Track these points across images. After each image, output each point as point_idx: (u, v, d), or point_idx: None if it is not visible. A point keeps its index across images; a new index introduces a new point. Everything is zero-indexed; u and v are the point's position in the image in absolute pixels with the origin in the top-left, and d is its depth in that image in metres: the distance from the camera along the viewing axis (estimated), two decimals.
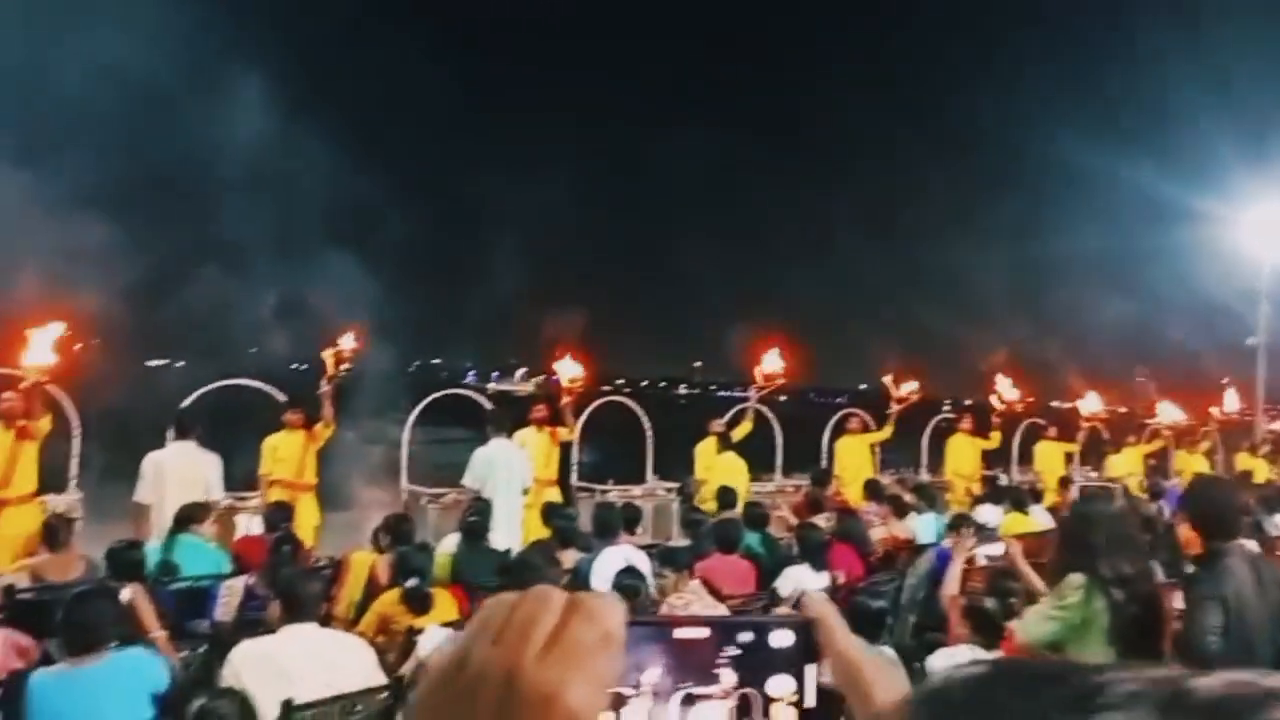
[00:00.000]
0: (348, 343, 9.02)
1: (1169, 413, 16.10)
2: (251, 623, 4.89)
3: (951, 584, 5.00)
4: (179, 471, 7.51)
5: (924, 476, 13.66)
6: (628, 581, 4.61)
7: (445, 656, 0.54)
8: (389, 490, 10.68)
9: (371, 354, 9.97)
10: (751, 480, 10.85)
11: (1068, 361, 19.43)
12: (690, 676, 0.62)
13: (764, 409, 11.80)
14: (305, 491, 8.50)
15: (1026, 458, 15.10)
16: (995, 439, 13.51)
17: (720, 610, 5.01)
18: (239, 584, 5.34)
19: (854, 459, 11.85)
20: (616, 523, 6.52)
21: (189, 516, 6.30)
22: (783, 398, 12.69)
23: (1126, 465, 14.36)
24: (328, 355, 8.84)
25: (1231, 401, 17.64)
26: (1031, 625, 3.73)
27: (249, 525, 8.10)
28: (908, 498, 8.88)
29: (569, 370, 9.68)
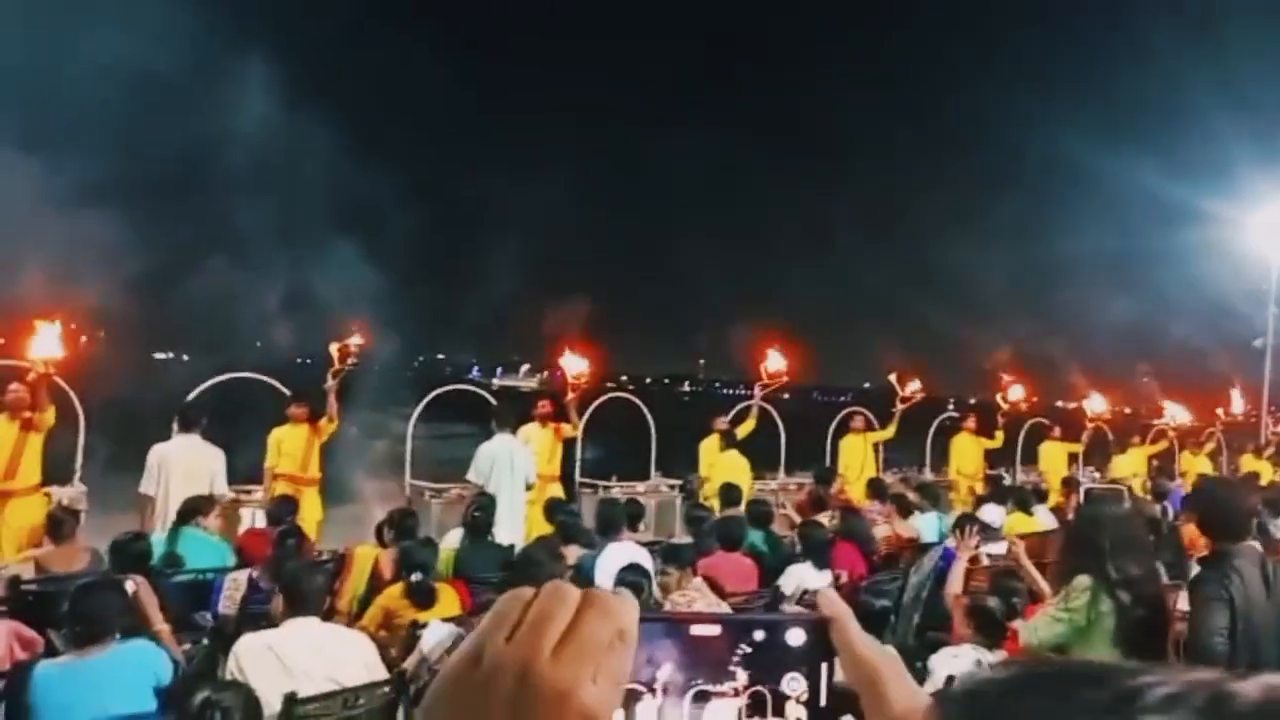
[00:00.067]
0: (353, 338, 9.04)
1: (1175, 413, 16.09)
2: (254, 616, 4.89)
3: (955, 583, 4.99)
4: (184, 464, 7.53)
5: (927, 476, 13.66)
6: (631, 578, 4.60)
7: (460, 652, 0.54)
8: (392, 485, 10.70)
9: (376, 349, 9.97)
10: (755, 478, 10.86)
11: (1072, 362, 19.43)
12: (703, 674, 0.61)
13: (768, 407, 11.79)
14: (309, 485, 8.52)
15: (1030, 458, 15.09)
16: (999, 439, 13.50)
17: (723, 608, 5.02)
18: (242, 577, 5.35)
19: (857, 458, 11.85)
20: (620, 519, 6.52)
21: (193, 509, 6.32)
22: (786, 396, 12.69)
23: (1131, 466, 14.34)
24: (333, 350, 8.86)
25: (1237, 403, 17.61)
26: (1039, 627, 3.74)
27: (253, 519, 8.12)
28: (911, 496, 8.88)
29: (573, 366, 9.69)
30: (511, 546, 6.64)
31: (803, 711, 0.62)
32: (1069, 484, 11.11)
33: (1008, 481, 12.77)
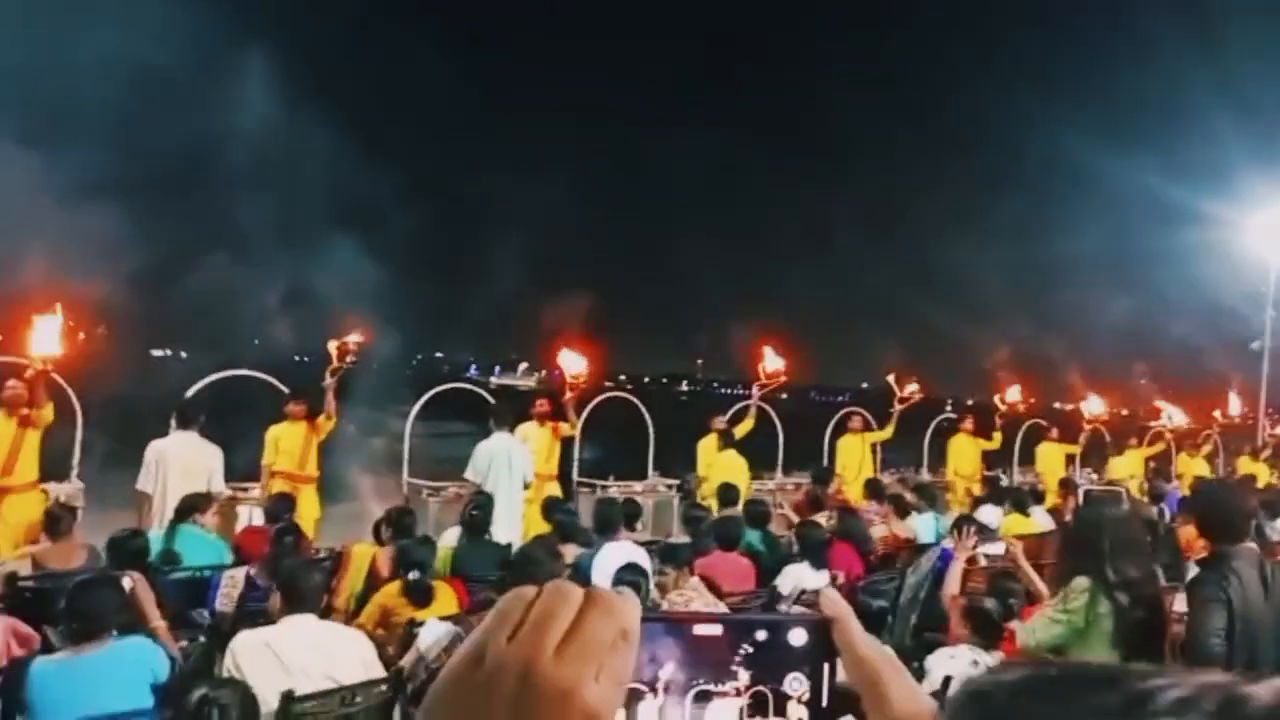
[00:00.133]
0: (351, 336, 9.03)
1: (1172, 415, 16.10)
2: (252, 613, 4.89)
3: (953, 584, 5.00)
4: (181, 461, 7.52)
5: (925, 476, 13.66)
6: (629, 578, 4.60)
7: (461, 652, 0.54)
8: (390, 483, 10.69)
9: (374, 347, 9.97)
10: (752, 478, 10.86)
11: (1070, 363, 19.45)
12: (704, 673, 0.61)
13: (766, 407, 11.80)
14: (307, 483, 8.51)
15: (1028, 459, 15.11)
16: (997, 440, 13.52)
17: (720, 607, 5.02)
18: (240, 574, 5.34)
19: (855, 458, 11.85)
20: (617, 518, 6.52)
21: (191, 506, 6.31)
22: (784, 396, 12.69)
23: (1127, 468, 14.35)
24: (331, 348, 8.85)
25: (1235, 405, 17.63)
26: (1037, 628, 3.74)
27: (250, 516, 8.11)
28: (909, 497, 8.88)
29: (571, 365, 9.68)
30: (509, 545, 6.64)
31: (804, 711, 0.62)
32: (1066, 485, 11.11)
33: (1005, 482, 12.78)
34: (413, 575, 4.99)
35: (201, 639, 4.85)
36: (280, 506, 6.90)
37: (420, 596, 4.93)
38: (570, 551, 6.07)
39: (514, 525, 8.08)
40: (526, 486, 8.58)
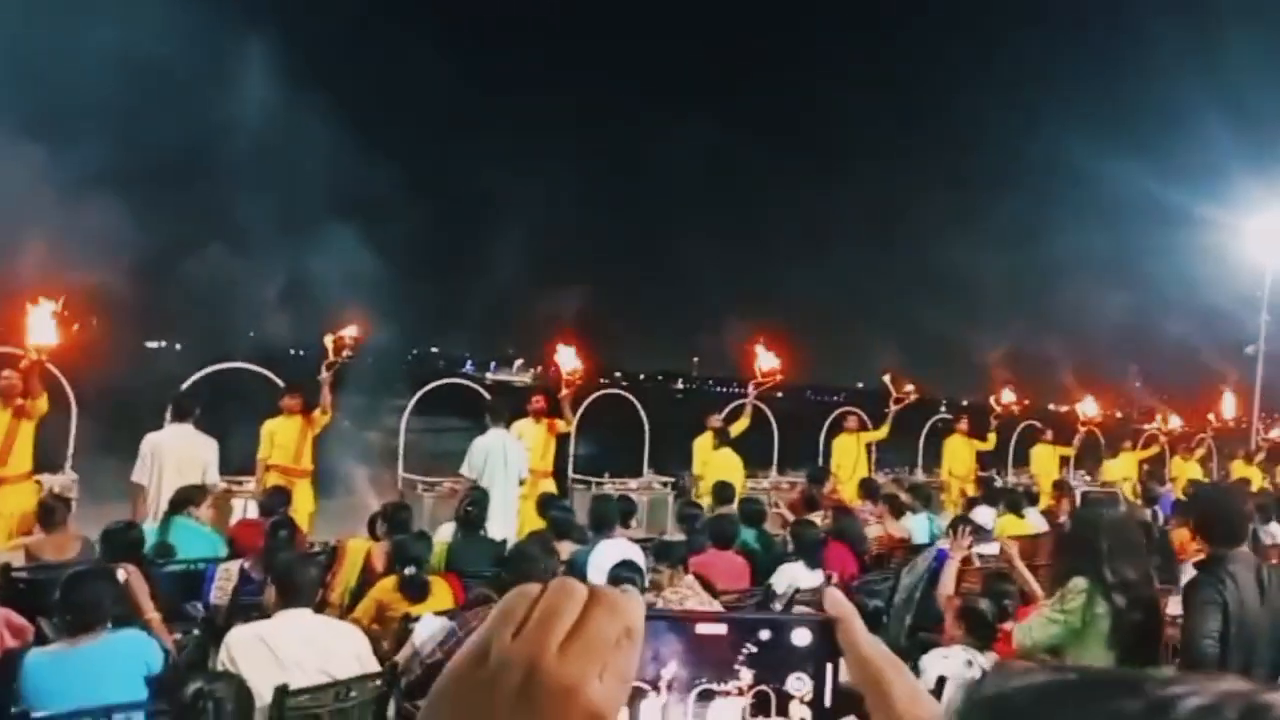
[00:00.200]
0: (347, 330, 9.02)
1: (1166, 416, 16.15)
2: (246, 607, 4.88)
3: (948, 584, 5.01)
4: (176, 454, 7.50)
5: (919, 476, 13.69)
6: (625, 575, 4.61)
7: (465, 648, 0.54)
8: (385, 478, 10.69)
9: (370, 342, 9.96)
10: (747, 476, 10.86)
11: (1065, 365, 19.47)
12: (707, 672, 0.61)
13: (761, 405, 11.81)
14: (302, 477, 8.50)
15: (1022, 460, 15.14)
16: (991, 441, 13.55)
17: (715, 605, 5.02)
18: (234, 568, 5.34)
19: (850, 457, 11.87)
20: (613, 516, 6.53)
21: (185, 499, 6.30)
22: (780, 394, 12.68)
23: (1121, 470, 14.40)
24: (328, 342, 8.84)
25: (1229, 408, 17.67)
26: (1033, 628, 3.75)
27: (245, 509, 8.11)
28: (904, 497, 8.89)
29: (568, 362, 9.68)
30: (504, 541, 6.64)
31: (807, 711, 0.62)
32: (1060, 487, 11.14)
33: (999, 483, 12.81)
34: (408, 570, 4.99)
35: (196, 632, 4.84)
36: (275, 500, 6.89)
37: (416, 591, 4.93)
38: (566, 548, 6.07)
39: (509, 521, 8.08)
40: (522, 483, 8.58)
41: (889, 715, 0.60)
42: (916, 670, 4.01)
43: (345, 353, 8.88)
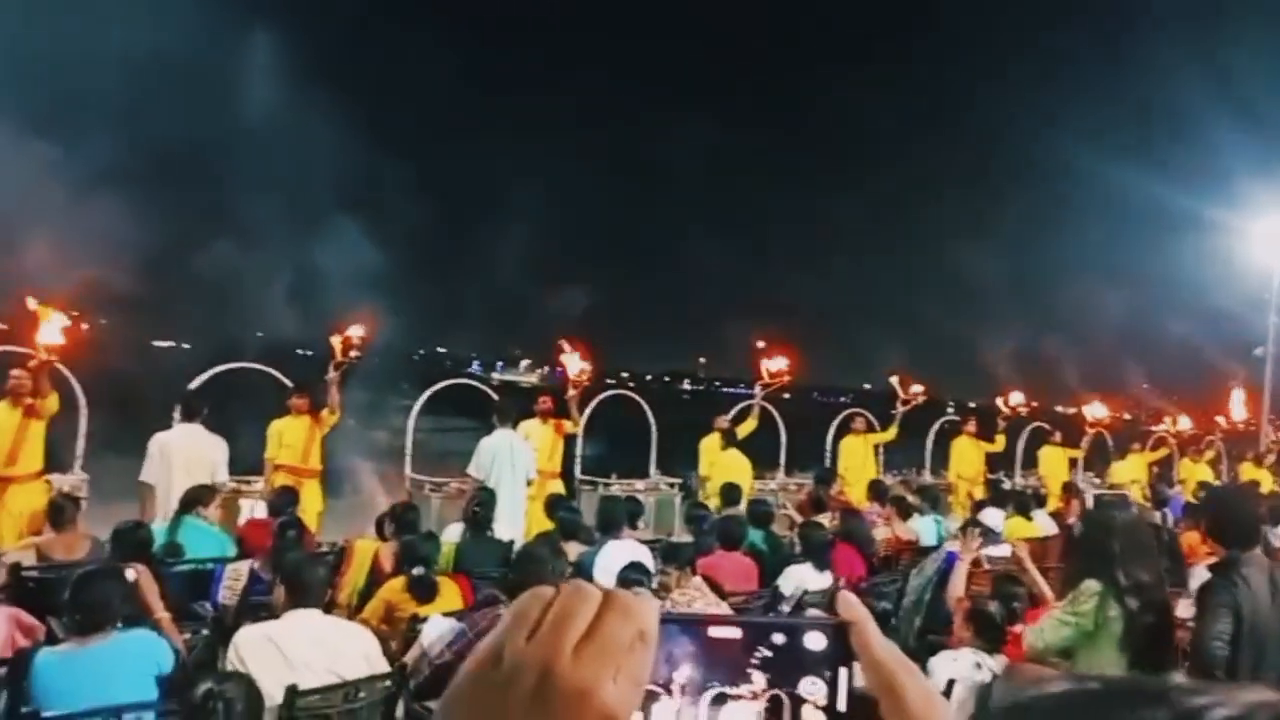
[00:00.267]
0: (355, 330, 9.03)
1: (1177, 420, 16.10)
2: (254, 607, 4.90)
3: (957, 586, 5.00)
4: (185, 453, 7.53)
5: (927, 478, 13.66)
6: (632, 576, 4.61)
7: (479, 651, 0.54)
8: (393, 478, 10.71)
9: (377, 342, 9.98)
10: (755, 478, 10.86)
11: (1074, 367, 19.42)
12: (720, 676, 0.61)
13: (768, 406, 11.80)
14: (310, 477, 8.52)
15: (1030, 462, 15.09)
16: (999, 442, 13.51)
17: (723, 607, 5.01)
18: (243, 567, 5.35)
19: (858, 459, 11.85)
20: (621, 517, 6.53)
21: (194, 499, 6.32)
22: (787, 396, 12.69)
23: (1130, 472, 14.34)
24: (335, 342, 8.86)
25: (1238, 411, 17.60)
26: (1045, 630, 3.73)
27: (253, 509, 8.12)
28: (911, 499, 8.88)
29: (575, 363, 9.68)
30: (511, 542, 6.65)
31: (820, 716, 0.62)
32: (1069, 489, 11.11)
33: (1007, 485, 12.78)
34: (417, 571, 5.00)
35: (205, 632, 4.85)
36: (283, 500, 6.91)
37: (424, 592, 4.94)
38: (573, 549, 6.08)
39: (516, 522, 8.09)
40: (529, 483, 8.59)
41: (902, 719, 0.60)
42: (925, 673, 4.00)
43: (353, 353, 8.89)
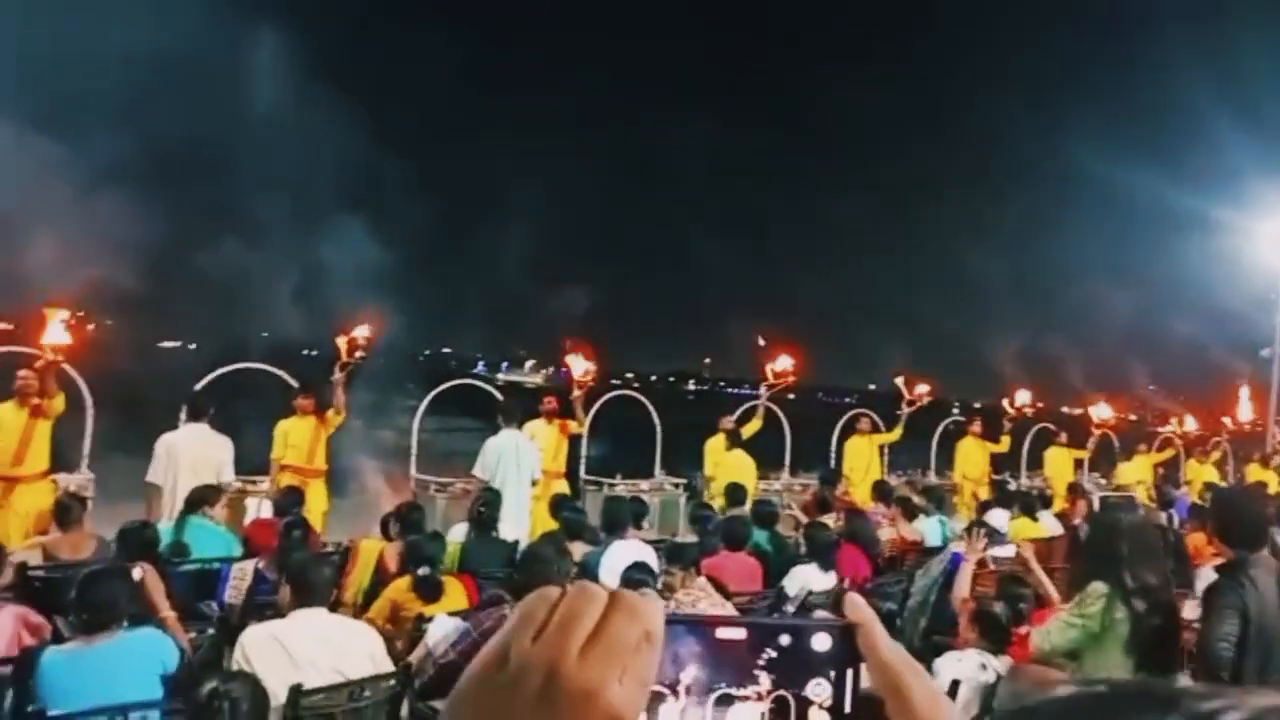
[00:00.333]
0: (360, 330, 9.05)
1: (1184, 420, 16.06)
2: (260, 606, 4.91)
3: (963, 586, 4.99)
4: (191, 454, 7.55)
5: (932, 479, 13.64)
6: (637, 576, 4.61)
7: (485, 652, 0.54)
8: (398, 478, 10.72)
9: (383, 342, 9.99)
10: (760, 478, 10.85)
11: (1080, 368, 19.38)
12: (726, 677, 0.61)
13: (773, 407, 11.79)
14: (315, 477, 8.53)
15: (1036, 463, 15.06)
16: (1005, 443, 13.48)
17: (727, 608, 5.01)
18: (249, 567, 5.36)
19: (863, 459, 11.83)
20: (626, 517, 6.52)
21: (200, 499, 6.34)
22: (792, 396, 12.67)
23: (1136, 473, 14.30)
24: (340, 343, 8.87)
25: (1245, 412, 17.54)
26: (1052, 632, 3.73)
27: (259, 509, 8.14)
28: (916, 500, 8.86)
29: (580, 364, 9.69)
30: (516, 542, 6.65)
31: (826, 717, 0.62)
32: (1074, 490, 11.08)
33: (1012, 486, 12.75)
34: (422, 571, 5.00)
35: (211, 631, 4.86)
36: (289, 500, 6.92)
37: (430, 592, 4.94)
38: (578, 549, 6.07)
39: (521, 522, 8.09)
40: (534, 484, 8.59)
41: None
42: (930, 673, 4.00)
43: (358, 353, 8.91)
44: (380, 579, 5.60)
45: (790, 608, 5.67)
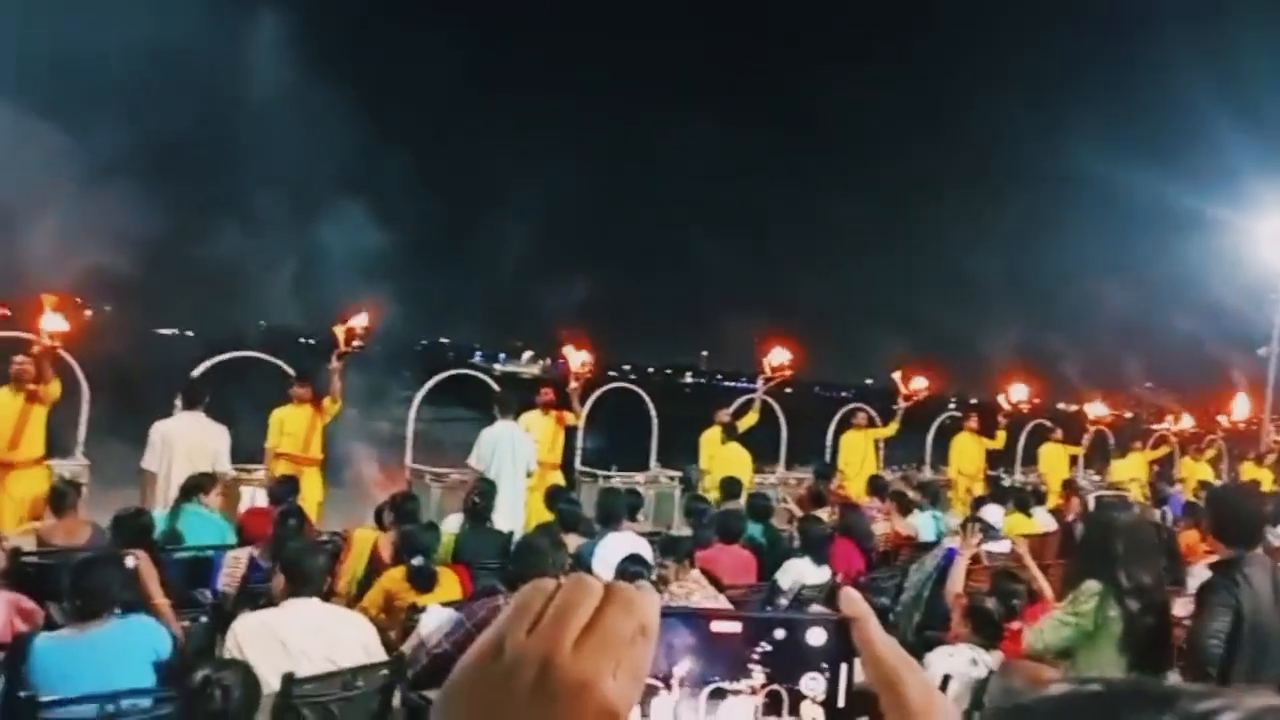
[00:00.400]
0: (358, 320, 9.03)
1: (1180, 418, 16.09)
2: (254, 594, 4.91)
3: (956, 582, 5.00)
4: (187, 441, 7.54)
5: (927, 474, 13.66)
6: (632, 568, 4.61)
7: (480, 643, 0.53)
8: (393, 468, 10.72)
9: (379, 332, 9.98)
10: (755, 471, 10.87)
11: (1075, 365, 19.41)
12: (720, 671, 0.61)
13: (770, 400, 11.80)
14: (311, 466, 8.52)
15: (1031, 459, 15.08)
16: (1000, 439, 13.49)
17: (721, 600, 5.02)
18: (243, 555, 5.36)
19: (858, 454, 11.84)
20: (621, 509, 6.53)
21: (195, 486, 6.33)
22: (788, 390, 12.68)
23: (1130, 470, 14.32)
24: (338, 332, 8.85)
25: (1240, 410, 17.58)
26: (1045, 630, 3.73)
27: (254, 497, 8.13)
28: (911, 495, 8.88)
29: (577, 356, 9.68)
30: (510, 533, 6.65)
31: (819, 712, 0.62)
32: (1069, 486, 11.10)
33: (1007, 482, 12.77)
34: (416, 561, 5.00)
35: (204, 619, 4.87)
36: (284, 488, 6.92)
37: (424, 582, 4.94)
38: (573, 541, 6.08)
39: (516, 513, 8.09)
40: (530, 475, 8.60)
41: (903, 716, 0.60)
42: (922, 668, 4.01)
43: (355, 342, 8.89)
44: (374, 569, 5.60)
45: (784, 601, 5.68)
